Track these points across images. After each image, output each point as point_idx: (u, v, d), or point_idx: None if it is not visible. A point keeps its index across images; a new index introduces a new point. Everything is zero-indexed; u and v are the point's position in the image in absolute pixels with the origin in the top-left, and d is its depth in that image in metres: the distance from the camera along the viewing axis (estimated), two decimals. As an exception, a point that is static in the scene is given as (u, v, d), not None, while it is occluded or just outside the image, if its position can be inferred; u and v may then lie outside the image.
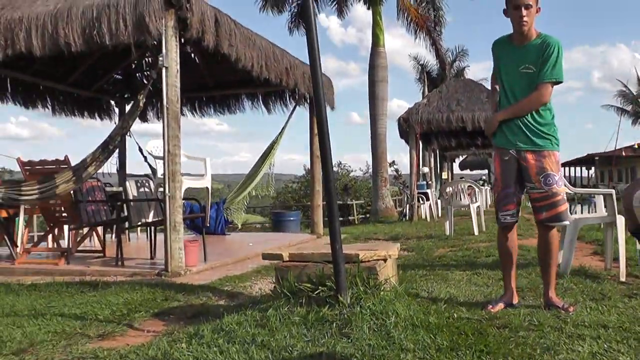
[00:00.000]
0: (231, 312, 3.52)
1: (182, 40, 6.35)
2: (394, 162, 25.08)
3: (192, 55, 10.05)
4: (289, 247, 5.48)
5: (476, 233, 9.72)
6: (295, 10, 22.84)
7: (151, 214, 7.28)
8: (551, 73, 3.67)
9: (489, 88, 4.31)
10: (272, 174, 10.50)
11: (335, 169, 36.42)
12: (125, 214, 7.26)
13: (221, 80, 10.84)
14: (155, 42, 6.15)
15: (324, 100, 3.36)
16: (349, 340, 2.84)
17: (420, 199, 15.84)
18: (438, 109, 15.62)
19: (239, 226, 11.61)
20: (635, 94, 52.52)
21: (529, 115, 3.75)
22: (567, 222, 3.83)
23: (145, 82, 10.35)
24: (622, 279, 4.66)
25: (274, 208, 25.64)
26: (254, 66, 7.10)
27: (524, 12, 3.63)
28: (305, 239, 10.00)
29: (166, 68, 6.07)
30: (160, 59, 6.06)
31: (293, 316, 3.16)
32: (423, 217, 15.62)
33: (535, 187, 3.76)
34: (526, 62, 3.72)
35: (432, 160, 21.67)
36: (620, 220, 4.88)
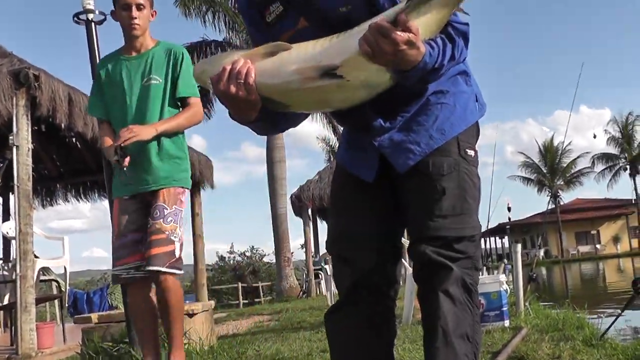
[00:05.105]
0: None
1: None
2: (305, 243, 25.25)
3: (74, 139, 10.06)
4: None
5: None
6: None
7: (6, 297, 7.05)
8: (195, 88, 3.23)
9: None
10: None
11: (248, 253, 35.77)
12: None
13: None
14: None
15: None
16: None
17: (318, 275, 15.95)
18: (329, 184, 15.99)
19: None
20: (537, 163, 55.66)
21: (160, 148, 3.15)
22: (161, 269, 2.98)
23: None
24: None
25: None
26: (115, 144, 7.18)
27: (136, 12, 3.11)
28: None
29: (17, 147, 6.07)
30: (11, 137, 6.07)
31: (88, 374, 3.17)
32: (324, 293, 15.65)
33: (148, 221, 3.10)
34: (149, 74, 3.16)
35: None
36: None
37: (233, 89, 1.51)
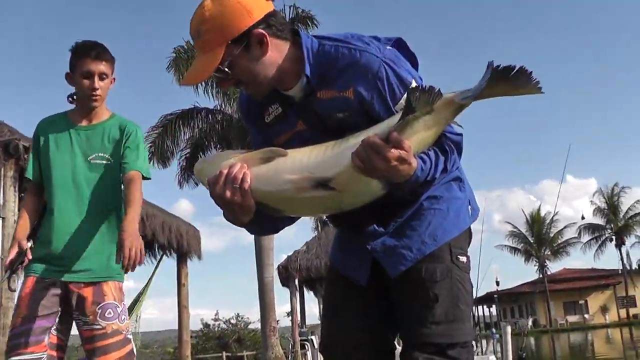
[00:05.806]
0: None
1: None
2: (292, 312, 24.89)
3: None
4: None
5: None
6: (185, 164, 23.21)
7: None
8: (146, 167, 2.83)
9: None
10: (137, 328, 10.08)
11: (233, 320, 35.14)
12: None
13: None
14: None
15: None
16: None
17: (304, 346, 15.66)
18: (317, 256, 15.97)
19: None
20: (524, 233, 55.69)
21: (109, 233, 2.73)
22: None
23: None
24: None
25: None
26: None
27: (98, 82, 2.71)
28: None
29: (3, 219, 6.03)
30: (-2, 209, 6.04)
31: None
32: (310, 364, 15.37)
33: (88, 321, 2.65)
34: (98, 151, 2.77)
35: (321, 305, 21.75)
36: None
37: (228, 193, 1.53)
